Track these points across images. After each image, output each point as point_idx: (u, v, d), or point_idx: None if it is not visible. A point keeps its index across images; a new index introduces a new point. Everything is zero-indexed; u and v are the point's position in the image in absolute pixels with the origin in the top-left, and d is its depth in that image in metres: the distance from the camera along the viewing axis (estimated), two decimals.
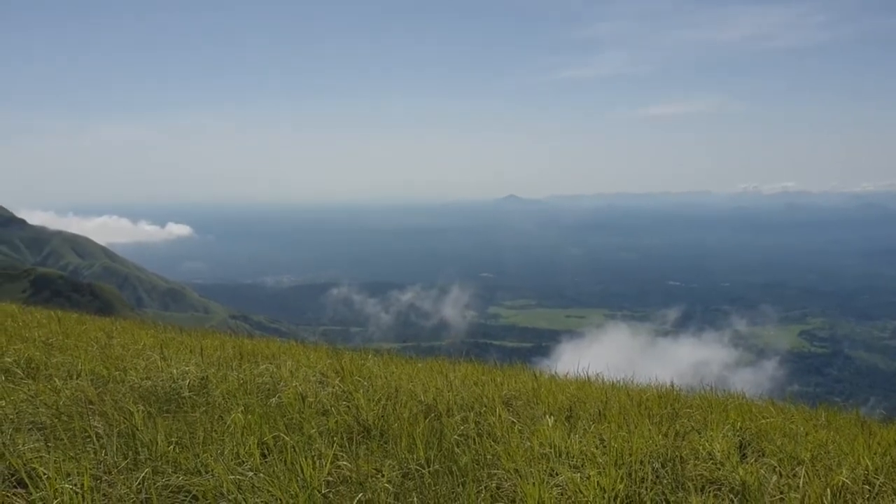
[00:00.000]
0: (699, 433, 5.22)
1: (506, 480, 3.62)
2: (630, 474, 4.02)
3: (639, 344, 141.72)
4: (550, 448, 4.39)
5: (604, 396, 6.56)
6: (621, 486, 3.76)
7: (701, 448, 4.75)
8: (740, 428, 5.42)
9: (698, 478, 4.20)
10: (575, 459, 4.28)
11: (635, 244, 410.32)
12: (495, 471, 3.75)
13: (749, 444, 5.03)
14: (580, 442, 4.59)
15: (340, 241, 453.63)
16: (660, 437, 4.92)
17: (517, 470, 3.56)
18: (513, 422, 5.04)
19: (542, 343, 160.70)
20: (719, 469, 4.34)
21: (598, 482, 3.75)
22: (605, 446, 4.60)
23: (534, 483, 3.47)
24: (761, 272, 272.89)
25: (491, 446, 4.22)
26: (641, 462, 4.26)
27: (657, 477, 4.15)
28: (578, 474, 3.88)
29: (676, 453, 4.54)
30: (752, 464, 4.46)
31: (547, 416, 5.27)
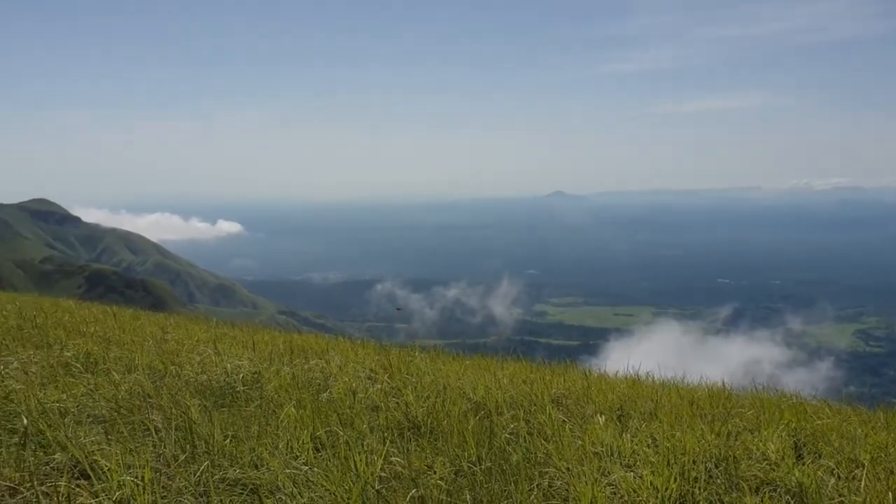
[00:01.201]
0: (752, 433, 5.13)
1: (557, 479, 3.61)
2: (683, 474, 3.97)
3: (688, 342, 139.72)
4: (602, 447, 4.36)
5: (655, 395, 6.49)
6: (675, 486, 3.72)
7: (755, 448, 4.67)
8: (795, 429, 5.32)
9: (752, 478, 4.14)
10: (627, 459, 4.24)
11: (682, 241, 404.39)
12: (547, 469, 3.74)
13: (804, 446, 4.93)
14: (632, 441, 4.55)
15: (386, 237, 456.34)
16: (712, 436, 4.86)
17: (569, 469, 3.55)
18: (563, 420, 5.02)
19: (590, 341, 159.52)
20: (774, 470, 4.26)
21: (651, 482, 3.72)
22: (657, 445, 4.56)
23: (586, 482, 3.45)
24: (813, 270, 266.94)
25: (542, 445, 4.21)
26: (694, 462, 4.21)
27: (710, 477, 4.09)
28: (631, 473, 3.85)
29: (730, 453, 4.47)
30: (808, 465, 4.37)
31: (598, 415, 5.23)
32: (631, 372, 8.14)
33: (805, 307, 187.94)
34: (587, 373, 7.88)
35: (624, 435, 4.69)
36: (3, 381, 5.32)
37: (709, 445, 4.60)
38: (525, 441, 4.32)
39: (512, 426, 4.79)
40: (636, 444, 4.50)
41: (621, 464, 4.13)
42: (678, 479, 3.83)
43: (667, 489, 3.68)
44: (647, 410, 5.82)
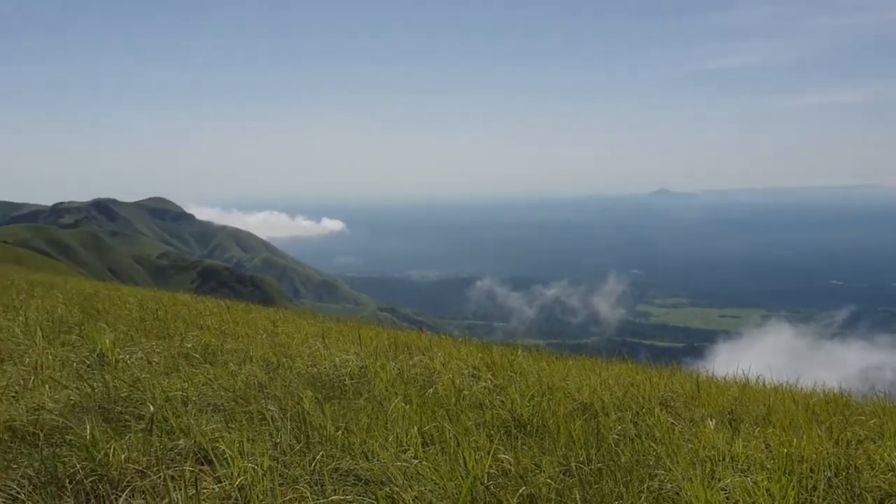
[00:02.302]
0: (875, 442, 4.89)
1: (668, 482, 3.54)
2: (800, 482, 3.83)
3: (802, 346, 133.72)
4: (713, 451, 4.25)
5: (767, 400, 6.28)
6: (792, 494, 3.58)
7: (878, 458, 4.44)
8: None
9: (876, 489, 3.94)
10: (740, 464, 4.12)
11: (792, 241, 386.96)
12: (657, 472, 3.68)
13: None
14: (745, 446, 4.41)
15: (485, 236, 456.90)
16: (830, 444, 4.65)
17: (680, 472, 3.48)
18: (672, 423, 4.92)
19: (695, 343, 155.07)
20: None
21: (767, 488, 3.60)
22: (771, 451, 4.40)
23: (699, 485, 3.38)
24: None
25: (651, 447, 4.14)
26: (812, 470, 4.05)
27: (830, 486, 3.92)
28: (745, 479, 3.74)
29: (851, 462, 4.27)
30: None
31: (708, 419, 5.10)
32: (741, 375, 7.89)
33: None
34: (696, 376, 7.68)
35: (736, 439, 4.55)
36: (130, 370, 5.65)
37: (827, 453, 4.41)
38: (633, 443, 4.26)
39: (620, 427, 4.73)
40: (749, 450, 4.36)
41: (734, 469, 4.02)
42: (796, 487, 3.69)
43: (784, 497, 3.56)
44: (760, 415, 5.64)
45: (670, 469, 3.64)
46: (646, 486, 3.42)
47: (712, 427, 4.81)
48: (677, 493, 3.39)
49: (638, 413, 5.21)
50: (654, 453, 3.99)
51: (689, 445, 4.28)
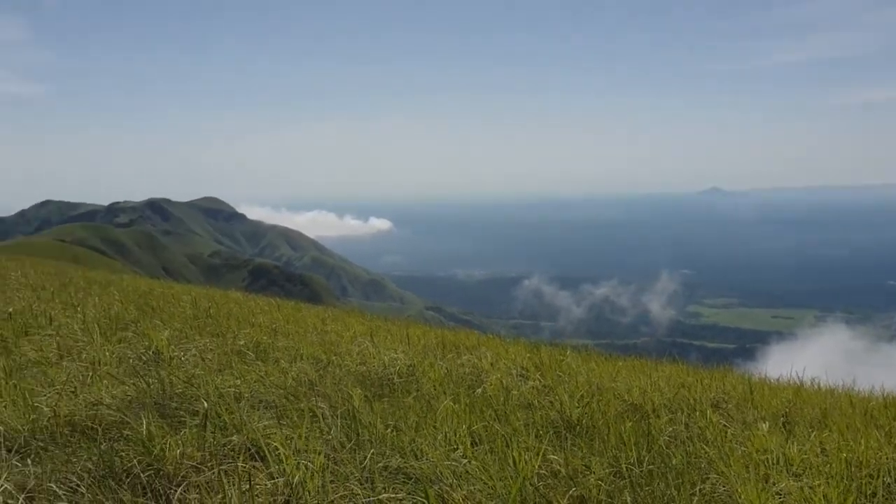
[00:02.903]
0: None
1: (721, 485, 3.49)
2: (859, 487, 3.73)
3: (858, 348, 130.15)
4: (767, 454, 4.17)
5: (823, 403, 6.13)
6: (851, 500, 3.50)
7: None
8: None
9: None
10: (795, 468, 4.03)
11: (847, 240, 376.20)
12: (709, 475, 3.63)
13: None
14: (800, 450, 4.32)
15: (532, 235, 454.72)
16: (890, 449, 4.52)
17: (733, 475, 3.42)
18: (724, 425, 4.84)
19: (746, 344, 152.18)
20: None
21: (824, 493, 3.52)
22: (827, 456, 4.30)
23: (752, 489, 3.32)
24: None
25: (703, 449, 4.08)
26: (871, 475, 3.94)
27: (889, 492, 3.82)
28: (800, 483, 3.66)
29: None
30: None
31: (761, 421, 5.00)
32: (795, 377, 7.72)
33: None
34: (747, 377, 7.53)
35: (790, 443, 4.46)
36: (184, 367, 5.78)
37: (887, 458, 4.29)
38: (686, 445, 4.20)
39: (671, 429, 4.67)
40: (805, 454, 4.27)
41: (788, 473, 3.93)
42: (854, 493, 3.60)
43: (843, 502, 3.47)
44: (815, 418, 5.51)
45: (723, 472, 3.59)
46: (698, 488, 3.38)
47: (766, 430, 4.72)
48: (731, 497, 3.34)
49: (689, 414, 5.14)
50: (706, 456, 3.93)
51: (742, 448, 4.20)
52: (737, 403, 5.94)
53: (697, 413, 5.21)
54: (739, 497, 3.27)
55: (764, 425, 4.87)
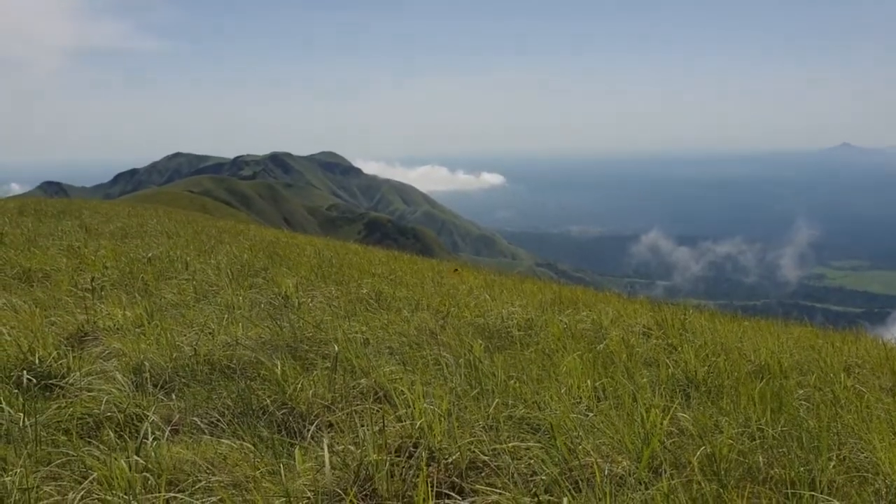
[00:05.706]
0: None
1: (861, 451, 3.33)
2: None
3: None
4: None
5: None
6: None
7: None
8: None
9: None
10: None
11: None
12: (846, 439, 3.47)
13: None
14: None
15: (651, 192, 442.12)
16: None
17: (876, 441, 3.25)
18: (861, 390, 4.60)
19: (875, 308, 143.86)
20: None
21: None
22: None
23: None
24: None
25: (838, 413, 3.90)
26: None
27: None
28: None
29: None
30: None
31: None
32: None
33: None
34: (882, 341, 7.11)
35: None
36: (312, 313, 6.00)
37: None
38: (818, 408, 4.02)
39: (801, 391, 4.49)
40: None
41: None
42: None
43: None
44: None
45: (864, 437, 3.42)
46: (834, 454, 3.23)
47: None
48: (873, 465, 3.18)
49: (821, 377, 4.91)
50: (842, 420, 3.75)
51: (882, 414, 3.98)
52: (871, 368, 5.64)
53: (831, 376, 4.98)
54: (883, 465, 3.11)
55: None
